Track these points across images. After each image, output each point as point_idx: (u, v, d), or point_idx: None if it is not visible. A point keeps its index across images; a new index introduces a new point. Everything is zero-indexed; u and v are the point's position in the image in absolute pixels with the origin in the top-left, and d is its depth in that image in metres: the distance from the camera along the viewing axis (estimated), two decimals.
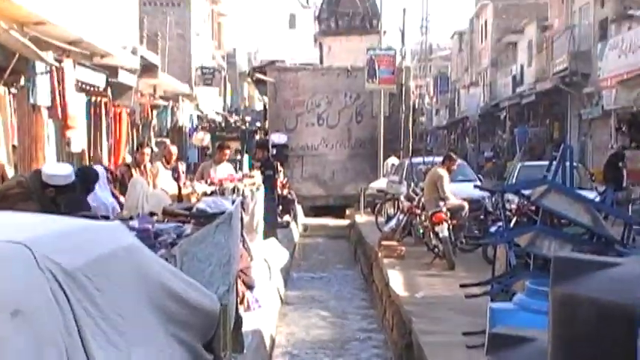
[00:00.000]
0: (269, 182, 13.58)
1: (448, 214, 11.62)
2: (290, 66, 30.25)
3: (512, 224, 8.91)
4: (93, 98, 14.21)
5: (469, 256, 11.98)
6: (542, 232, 6.73)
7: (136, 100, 17.78)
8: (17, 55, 10.05)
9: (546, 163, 9.18)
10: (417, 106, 40.31)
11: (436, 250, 11.69)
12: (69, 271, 2.79)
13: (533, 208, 8.04)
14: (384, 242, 12.95)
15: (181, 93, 24.84)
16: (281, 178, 18.74)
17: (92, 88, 13.82)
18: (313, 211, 24.57)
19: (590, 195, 10.31)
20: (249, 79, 37.54)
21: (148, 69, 18.50)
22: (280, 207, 17.04)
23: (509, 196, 9.65)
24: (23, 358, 2.41)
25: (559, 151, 7.68)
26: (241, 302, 7.50)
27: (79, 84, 12.73)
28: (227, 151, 12.53)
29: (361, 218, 19.70)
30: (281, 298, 11.40)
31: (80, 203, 6.39)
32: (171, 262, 4.36)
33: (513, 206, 9.98)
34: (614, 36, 21.71)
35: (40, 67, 10.83)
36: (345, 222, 22.54)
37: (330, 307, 11.66)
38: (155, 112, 21.56)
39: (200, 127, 27.97)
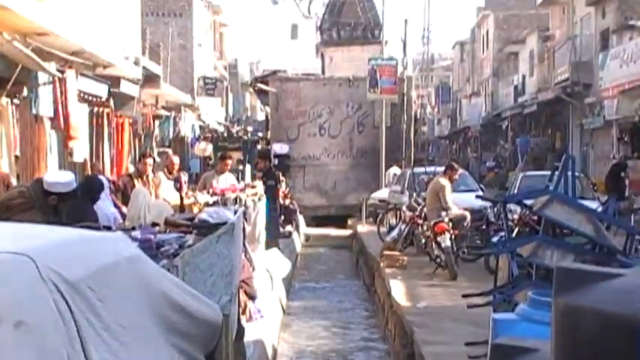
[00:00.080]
0: (271, 192, 13.58)
1: (450, 224, 11.61)
2: (292, 76, 30.31)
3: (514, 234, 8.90)
4: (95, 108, 14.25)
5: (471, 267, 11.96)
6: (544, 243, 6.72)
7: (138, 110, 17.82)
8: (20, 66, 10.08)
9: (548, 173, 9.18)
10: (418, 115, 40.34)
11: (438, 260, 11.68)
12: (71, 281, 2.79)
13: (535, 218, 8.03)
14: (386, 252, 12.94)
15: (183, 103, 24.89)
16: (283, 188, 18.74)
17: (94, 99, 13.85)
18: (315, 221, 24.55)
19: (593, 205, 10.30)
20: (251, 89, 37.59)
21: (150, 79, 18.56)
22: (282, 217, 17.04)
23: (512, 206, 9.64)
24: None
25: (561, 161, 7.68)
26: (243, 312, 7.49)
27: (82, 94, 12.76)
28: (229, 162, 12.56)
29: (363, 228, 19.69)
30: (283, 309, 11.38)
31: (85, 212, 6.41)
32: (173, 273, 4.36)
33: (515, 216, 9.97)
34: (616, 46, 21.74)
35: (42, 77, 10.86)
36: (347, 232, 22.52)
37: (332, 317, 11.64)
38: (157, 123, 21.61)
39: (202, 137, 28.01)
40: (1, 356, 2.38)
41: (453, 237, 11.50)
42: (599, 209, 11.89)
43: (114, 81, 14.61)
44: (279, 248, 14.34)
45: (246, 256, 8.11)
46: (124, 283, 3.19)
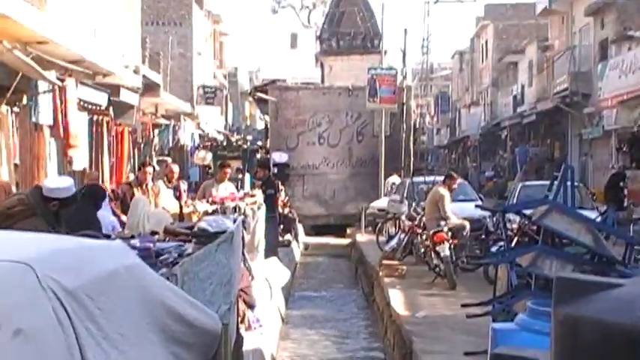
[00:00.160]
0: (270, 201, 13.57)
1: (449, 233, 11.61)
2: (291, 85, 30.36)
3: (513, 244, 8.89)
4: (95, 117, 14.25)
5: (470, 276, 11.95)
6: (543, 252, 6.72)
7: (137, 118, 17.83)
8: (20, 74, 10.09)
9: (547, 182, 9.19)
10: (417, 125, 40.37)
11: (437, 269, 11.67)
12: (71, 290, 2.80)
13: (534, 227, 8.03)
14: (385, 261, 12.94)
15: (183, 112, 24.91)
16: (282, 197, 18.74)
17: (94, 107, 13.86)
18: (314, 230, 24.55)
19: (592, 215, 10.30)
20: (250, 98, 37.65)
21: (149, 88, 18.58)
22: (281, 226, 17.03)
23: (511, 215, 9.64)
24: None
25: (560, 170, 7.69)
26: (242, 321, 7.47)
27: (81, 103, 12.77)
28: (228, 170, 12.57)
29: (362, 237, 19.68)
30: (282, 318, 11.36)
31: (89, 219, 6.42)
32: (172, 281, 4.36)
33: (514, 226, 9.96)
34: (615, 56, 21.79)
35: (42, 86, 10.87)
36: (346, 241, 22.51)
37: (331, 326, 11.62)
38: (157, 131, 21.62)
39: (202, 145, 28.02)
40: None
41: (452, 246, 11.50)
42: (598, 219, 11.90)
43: (114, 89, 14.62)
44: (278, 257, 14.32)
45: (244, 264, 8.10)
46: (123, 292, 3.19)
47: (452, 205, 12.14)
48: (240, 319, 6.96)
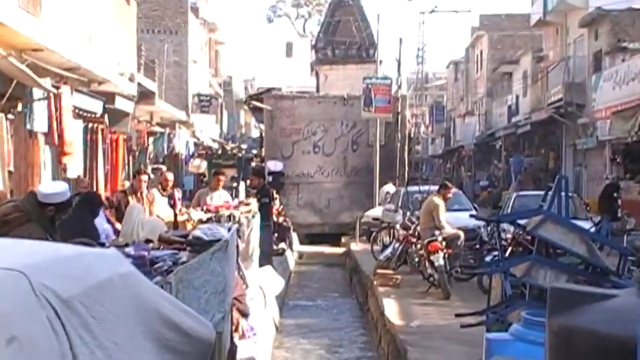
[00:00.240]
0: (265, 210, 13.56)
1: (444, 243, 11.61)
2: (286, 94, 30.39)
3: (507, 254, 8.90)
4: (90, 124, 14.26)
5: (464, 286, 11.95)
6: (537, 262, 6.72)
7: (132, 126, 17.83)
8: (15, 82, 10.09)
9: (541, 192, 9.20)
10: (412, 134, 40.46)
11: (431, 279, 11.67)
12: (65, 298, 2.79)
13: (528, 237, 8.04)
14: (380, 271, 12.92)
15: (178, 120, 24.92)
16: (277, 206, 18.72)
17: (89, 115, 13.86)
18: (309, 238, 24.51)
19: (586, 225, 10.32)
20: (245, 107, 37.66)
21: (144, 96, 18.59)
22: (276, 234, 17.01)
23: (505, 225, 9.65)
24: None
25: (554, 180, 7.70)
26: (236, 330, 7.45)
27: (76, 110, 12.76)
28: (222, 177, 12.59)
29: (357, 246, 19.66)
30: (276, 326, 11.34)
31: (87, 227, 6.41)
32: (166, 290, 4.35)
33: (509, 236, 9.98)
34: (609, 68, 21.89)
35: (37, 93, 10.87)
36: (340, 250, 22.49)
37: (325, 335, 11.59)
38: (152, 139, 21.62)
39: (196, 154, 28.02)
40: None
41: (446, 256, 11.50)
42: (593, 229, 11.93)
43: (109, 97, 14.63)
44: (272, 266, 14.30)
45: (239, 273, 8.09)
46: (117, 300, 3.18)
47: (446, 215, 12.15)
48: (234, 327, 6.94)
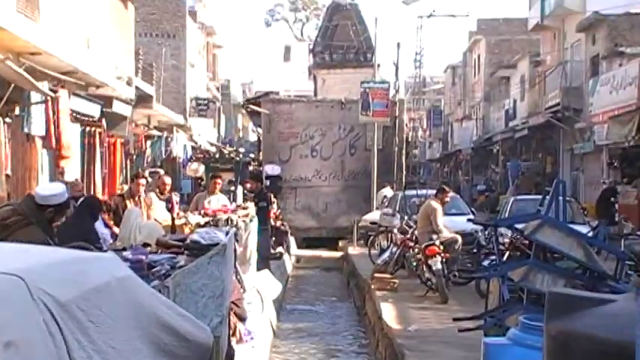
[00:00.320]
0: (262, 214, 13.56)
1: (441, 247, 11.61)
2: (284, 98, 30.41)
3: (505, 258, 8.91)
4: (87, 128, 14.24)
5: (462, 290, 11.95)
6: (535, 267, 6.73)
7: (130, 130, 17.81)
8: (12, 85, 10.08)
9: (539, 197, 9.21)
10: (410, 138, 40.45)
11: (429, 283, 11.67)
12: (62, 302, 2.79)
13: (526, 242, 8.05)
14: (377, 275, 12.92)
15: (175, 124, 24.89)
16: (274, 210, 18.71)
17: (87, 118, 13.85)
18: (306, 242, 24.51)
19: (583, 230, 10.33)
20: (243, 111, 37.67)
21: (142, 99, 18.56)
22: (273, 238, 17.00)
23: (502, 229, 9.66)
24: None
25: (551, 185, 7.71)
26: (233, 334, 7.45)
27: (74, 114, 12.75)
28: (219, 181, 12.60)
29: (354, 250, 19.66)
30: (273, 330, 11.33)
31: (88, 231, 6.41)
32: (164, 294, 4.35)
33: (506, 240, 9.98)
34: (606, 72, 21.92)
35: (35, 97, 10.85)
36: (338, 254, 22.48)
37: (322, 339, 11.58)
38: (149, 143, 21.60)
39: (194, 157, 27.99)
40: None
41: (444, 260, 11.50)
42: (590, 234, 11.94)
43: (106, 101, 14.61)
44: (270, 270, 14.29)
45: (236, 277, 8.09)
46: (115, 304, 3.18)
47: (444, 219, 12.16)
48: (231, 331, 6.94)
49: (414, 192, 17.99)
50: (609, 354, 1.77)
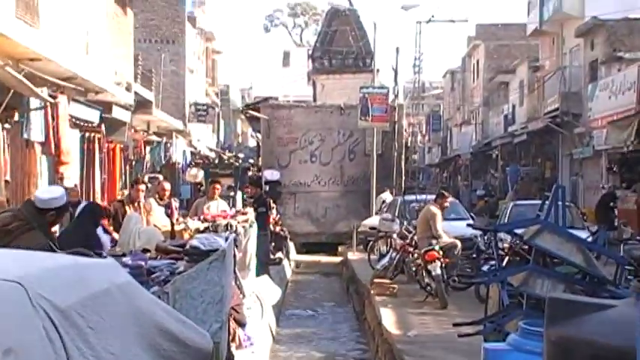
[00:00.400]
0: (262, 219, 13.56)
1: (441, 252, 11.61)
2: (283, 103, 30.42)
3: (504, 263, 8.90)
4: (87, 134, 14.25)
5: (462, 295, 11.94)
6: (534, 272, 6.73)
7: (129, 135, 17.82)
8: (12, 91, 10.09)
9: (538, 202, 9.21)
10: (409, 143, 40.49)
11: (428, 288, 11.66)
12: (62, 309, 2.79)
13: (525, 247, 8.05)
14: (377, 280, 12.91)
15: (175, 129, 24.91)
16: (274, 215, 18.71)
17: (86, 124, 13.86)
18: (305, 248, 24.50)
19: (582, 235, 10.33)
20: (242, 116, 37.69)
21: (141, 105, 18.59)
22: (273, 244, 17.00)
23: (502, 235, 9.65)
24: None
25: (550, 190, 7.71)
26: (232, 340, 7.43)
27: (73, 120, 12.76)
28: (218, 186, 12.61)
29: (353, 256, 19.65)
30: (273, 336, 11.31)
31: (91, 237, 6.41)
32: (164, 300, 4.35)
33: (506, 245, 9.98)
34: (604, 77, 21.95)
35: (34, 102, 10.86)
36: (337, 259, 22.47)
37: (322, 344, 11.57)
38: (148, 148, 21.61)
39: (193, 163, 27.99)
40: None
41: (443, 265, 11.49)
42: (589, 239, 11.94)
43: (106, 107, 14.63)
44: (269, 275, 14.28)
45: (236, 282, 8.08)
46: (114, 311, 3.18)
47: (443, 224, 12.15)
48: (231, 337, 6.93)
49: (413, 197, 17.99)
50: (610, 359, 1.77)
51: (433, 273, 11.35)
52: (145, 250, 6.42)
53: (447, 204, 12.58)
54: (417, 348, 8.37)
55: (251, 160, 35.84)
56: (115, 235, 8.34)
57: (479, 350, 5.25)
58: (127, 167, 18.85)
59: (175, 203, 11.54)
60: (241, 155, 38.87)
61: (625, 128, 18.36)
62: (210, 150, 34.37)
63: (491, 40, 40.91)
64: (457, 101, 50.77)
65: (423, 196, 17.13)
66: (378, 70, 30.67)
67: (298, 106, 28.78)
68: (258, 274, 12.50)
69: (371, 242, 17.21)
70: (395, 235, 14.65)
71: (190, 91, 33.12)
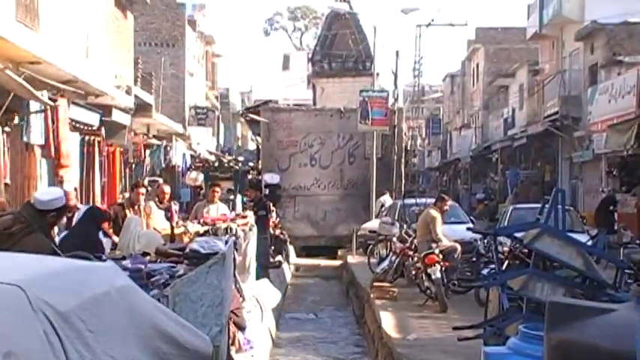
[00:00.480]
0: (262, 222, 13.57)
1: (441, 255, 11.60)
2: (283, 106, 30.45)
3: (504, 267, 8.90)
4: (86, 137, 14.25)
5: (461, 299, 11.94)
6: (534, 276, 6.72)
7: (129, 139, 17.83)
8: (12, 94, 10.09)
9: (538, 205, 9.21)
10: (409, 147, 40.49)
11: (428, 291, 11.65)
12: (62, 312, 2.79)
13: (525, 250, 8.04)
14: (377, 283, 12.91)
15: (175, 132, 24.92)
16: (273, 218, 18.71)
17: (86, 127, 13.86)
18: (305, 251, 24.49)
19: (582, 238, 10.32)
20: (242, 119, 37.68)
21: (141, 108, 18.58)
22: (272, 247, 16.99)
23: (502, 238, 9.64)
24: None
25: (550, 194, 7.71)
26: (232, 343, 7.43)
27: (73, 123, 12.76)
28: (217, 189, 12.62)
29: (353, 259, 19.64)
30: (273, 339, 11.30)
31: (94, 240, 6.42)
32: (163, 303, 4.34)
33: (505, 249, 9.97)
34: (604, 81, 21.96)
35: (34, 105, 10.87)
36: (337, 263, 22.45)
37: (321, 348, 11.56)
38: (148, 152, 21.62)
39: (193, 166, 28.00)
40: None
41: (443, 269, 11.49)
42: (589, 243, 11.93)
43: (106, 110, 14.63)
44: (269, 278, 14.28)
45: (235, 286, 8.08)
46: (114, 314, 3.18)
47: (443, 228, 12.15)
48: (230, 340, 6.93)
49: (413, 200, 17.99)
50: None
51: (433, 276, 11.34)
52: (145, 254, 6.42)
53: (446, 207, 12.58)
54: (416, 351, 8.36)
55: (251, 164, 35.83)
56: (115, 239, 8.34)
57: (479, 354, 5.25)
58: (127, 170, 18.86)
59: (175, 206, 11.54)
60: (241, 158, 38.89)
61: (625, 132, 18.36)
62: (210, 153, 34.38)
63: (491, 44, 40.95)
64: (457, 105, 50.79)
65: (423, 200, 17.13)
66: (377, 74, 30.70)
67: (298, 109, 28.79)
68: (257, 278, 12.50)
69: (371, 246, 17.20)
70: (395, 239, 14.64)
71: (190, 95, 33.15)
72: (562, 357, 1.92)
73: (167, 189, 11.33)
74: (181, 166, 26.64)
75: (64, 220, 7.77)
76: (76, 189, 13.09)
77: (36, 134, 10.99)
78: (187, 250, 6.00)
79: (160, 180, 18.29)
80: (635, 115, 18.08)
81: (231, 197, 19.30)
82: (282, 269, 17.71)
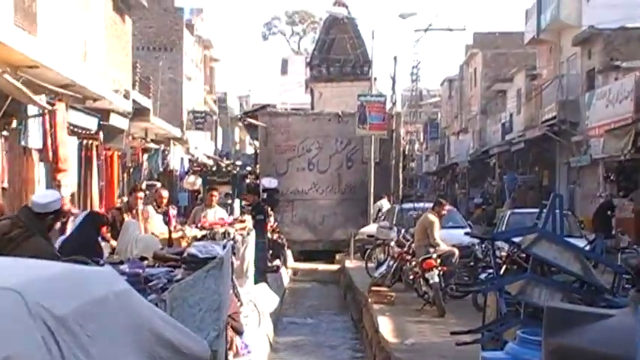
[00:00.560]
0: (260, 227, 13.55)
1: (438, 260, 11.61)
2: (281, 111, 30.45)
3: (502, 271, 8.90)
4: (84, 141, 14.24)
5: (459, 303, 11.93)
6: (532, 280, 6.72)
7: (127, 143, 17.82)
8: (10, 98, 10.08)
9: (536, 210, 9.21)
10: (407, 152, 40.52)
11: (426, 296, 11.65)
12: (60, 316, 2.78)
13: (523, 255, 8.04)
14: (374, 288, 12.91)
15: (172, 136, 24.92)
16: (271, 223, 18.70)
17: (84, 131, 13.86)
18: (303, 255, 24.48)
19: (580, 243, 10.33)
20: (240, 124, 37.72)
21: (139, 112, 18.59)
22: (270, 251, 16.98)
23: (499, 243, 9.64)
24: None
25: (547, 198, 7.72)
26: (230, 348, 7.42)
27: (71, 127, 12.76)
28: (215, 193, 12.61)
29: (351, 263, 19.63)
30: (270, 344, 11.29)
31: (94, 245, 6.41)
32: (161, 307, 4.34)
33: (503, 253, 9.97)
34: (602, 86, 21.99)
35: (32, 110, 10.86)
36: (335, 267, 22.45)
37: (319, 352, 11.55)
38: (146, 156, 21.61)
39: (191, 170, 27.98)
40: None
41: (441, 273, 11.49)
42: (587, 247, 11.94)
43: (104, 114, 14.62)
44: (267, 283, 14.27)
45: (233, 290, 8.07)
46: (112, 318, 3.17)
47: (441, 232, 12.16)
48: (228, 345, 6.92)
49: (410, 205, 17.99)
50: None
51: (431, 281, 11.34)
52: (143, 258, 6.41)
53: (444, 212, 12.58)
54: (414, 356, 8.36)
55: (249, 168, 35.80)
56: (113, 243, 8.33)
57: (477, 359, 5.25)
58: (125, 175, 18.85)
59: (173, 211, 11.52)
60: (239, 163, 38.86)
61: (622, 137, 18.38)
62: (208, 157, 34.37)
63: (489, 49, 41.00)
64: (455, 109, 50.83)
65: (421, 204, 17.13)
66: (375, 78, 30.73)
67: (296, 113, 28.81)
68: (255, 282, 12.49)
69: (368, 250, 17.20)
70: (392, 243, 14.65)
71: (188, 99, 33.15)
72: None
73: (165, 193, 11.32)
74: (179, 170, 26.63)
75: (58, 225, 7.76)
76: (73, 193, 13.09)
77: (34, 138, 10.98)
78: (185, 254, 5.99)
79: (158, 184, 18.28)
80: (632, 120, 18.11)
81: (229, 201, 19.28)
82: (279, 274, 17.70)
